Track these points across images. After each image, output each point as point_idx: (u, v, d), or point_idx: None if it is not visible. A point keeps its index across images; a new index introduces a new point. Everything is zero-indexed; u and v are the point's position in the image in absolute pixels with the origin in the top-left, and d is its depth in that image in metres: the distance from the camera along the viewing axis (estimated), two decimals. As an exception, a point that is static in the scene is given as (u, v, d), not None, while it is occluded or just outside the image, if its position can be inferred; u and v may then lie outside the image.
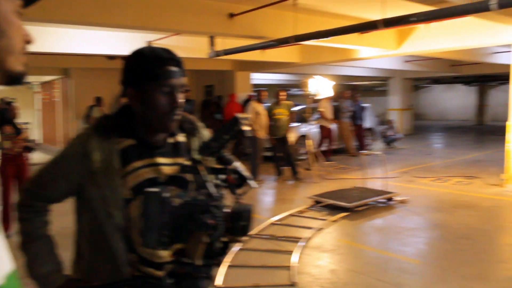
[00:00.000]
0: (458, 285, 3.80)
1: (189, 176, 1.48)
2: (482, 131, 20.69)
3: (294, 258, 4.33)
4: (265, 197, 7.59)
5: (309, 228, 5.36)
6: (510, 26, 7.02)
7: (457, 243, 4.93)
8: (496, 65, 13.98)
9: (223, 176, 1.45)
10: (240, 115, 1.47)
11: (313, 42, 7.76)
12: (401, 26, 6.66)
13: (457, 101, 28.38)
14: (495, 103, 26.14)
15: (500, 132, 18.30)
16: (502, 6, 4.40)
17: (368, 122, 13.06)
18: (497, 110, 25.72)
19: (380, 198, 6.57)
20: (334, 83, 9.50)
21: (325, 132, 11.09)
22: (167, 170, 1.49)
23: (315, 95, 9.11)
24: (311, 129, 10.45)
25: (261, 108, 8.48)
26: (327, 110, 11.03)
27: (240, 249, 4.55)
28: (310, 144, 9.14)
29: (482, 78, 22.54)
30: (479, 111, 26.15)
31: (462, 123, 25.53)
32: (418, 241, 5.12)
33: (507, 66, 11.74)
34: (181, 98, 1.45)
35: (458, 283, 3.84)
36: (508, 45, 8.23)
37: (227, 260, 4.19)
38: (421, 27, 8.59)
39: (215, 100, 13.54)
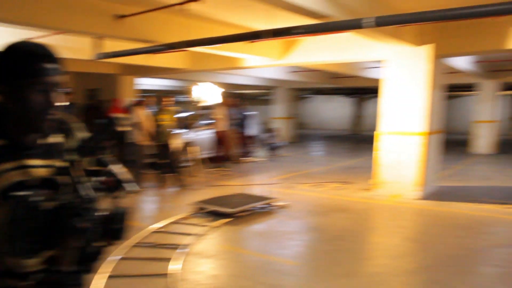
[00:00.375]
0: (330, 283, 4.07)
1: (63, 178, 1.42)
2: (358, 140, 22.43)
3: (176, 265, 4.29)
4: (147, 204, 7.42)
5: (191, 234, 5.35)
6: (380, 43, 7.67)
7: (332, 244, 5.24)
8: (371, 79, 15.24)
9: (100, 178, 1.41)
10: (115, 115, 1.45)
11: (202, 48, 7.85)
12: (285, 37, 6.96)
13: (336, 111, 30.64)
14: (370, 114, 28.25)
15: (373, 141, 19.94)
16: (378, 24, 4.84)
17: (253, 130, 13.46)
18: (372, 120, 28.32)
19: (261, 204, 6.74)
20: (222, 90, 9.64)
21: (221, 138, 11.19)
22: (40, 172, 1.40)
23: (198, 101, 9.16)
24: (197, 135, 10.48)
25: (145, 113, 8.29)
26: (223, 116, 11.14)
27: (121, 259, 4.40)
28: (195, 151, 9.15)
29: (359, 90, 24.81)
30: (356, 121, 28.42)
31: (340, 133, 27.48)
32: (296, 244, 5.34)
33: (379, 80, 12.91)
34: (56, 97, 1.38)
35: (331, 281, 4.11)
36: (379, 61, 9.01)
37: (107, 270, 4.03)
38: (304, 40, 9.15)
39: (96, 104, 13.00)
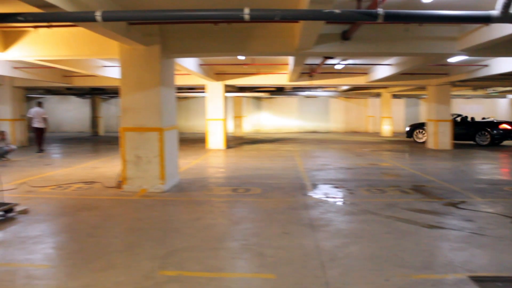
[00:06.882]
0: (87, 279, 4.07)
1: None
2: (97, 141, 22.21)
3: None
4: None
5: None
6: (112, 41, 8.04)
7: (84, 242, 5.27)
8: (106, 78, 15.06)
9: None
10: None
11: None
12: (7, 23, 6.51)
13: (72, 112, 30.22)
14: (107, 115, 29.03)
15: (113, 141, 20.70)
16: (105, 19, 4.86)
17: None
18: (109, 121, 29.18)
19: None
20: None
21: None
22: None
23: None
24: None
25: None
26: None
27: None
28: None
29: (94, 91, 24.30)
30: (93, 122, 27.30)
31: (78, 135, 27.19)
32: (44, 246, 5.07)
33: (116, 79, 13.02)
34: None
35: (88, 276, 4.12)
36: (116, 60, 8.70)
37: None
38: (30, 32, 8.78)
39: None
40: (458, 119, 20.04)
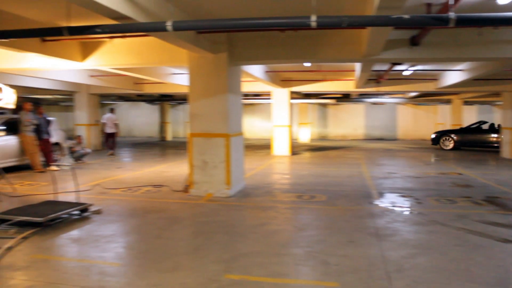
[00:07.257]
0: (155, 278, 4.23)
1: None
2: (165, 146, 22.84)
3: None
4: None
5: (-1, 248, 5.13)
6: (181, 49, 8.17)
7: (152, 243, 5.46)
8: (175, 85, 15.72)
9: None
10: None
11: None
12: (86, 35, 6.62)
13: (142, 118, 30.86)
14: (175, 121, 29.58)
15: (180, 146, 21.03)
16: (176, 29, 5.06)
17: (55, 136, 13.04)
18: (177, 127, 29.86)
19: (73, 210, 6.54)
20: (14, 92, 8.69)
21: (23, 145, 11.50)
22: None
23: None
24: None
25: None
26: (23, 122, 11.42)
27: None
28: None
29: (163, 97, 25.25)
30: (162, 128, 27.59)
31: (147, 139, 28.39)
32: (116, 246, 5.35)
33: (184, 86, 13.50)
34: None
35: (155, 276, 4.28)
36: (185, 67, 8.94)
37: None
38: (105, 43, 9.21)
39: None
40: (486, 126, 19.99)
